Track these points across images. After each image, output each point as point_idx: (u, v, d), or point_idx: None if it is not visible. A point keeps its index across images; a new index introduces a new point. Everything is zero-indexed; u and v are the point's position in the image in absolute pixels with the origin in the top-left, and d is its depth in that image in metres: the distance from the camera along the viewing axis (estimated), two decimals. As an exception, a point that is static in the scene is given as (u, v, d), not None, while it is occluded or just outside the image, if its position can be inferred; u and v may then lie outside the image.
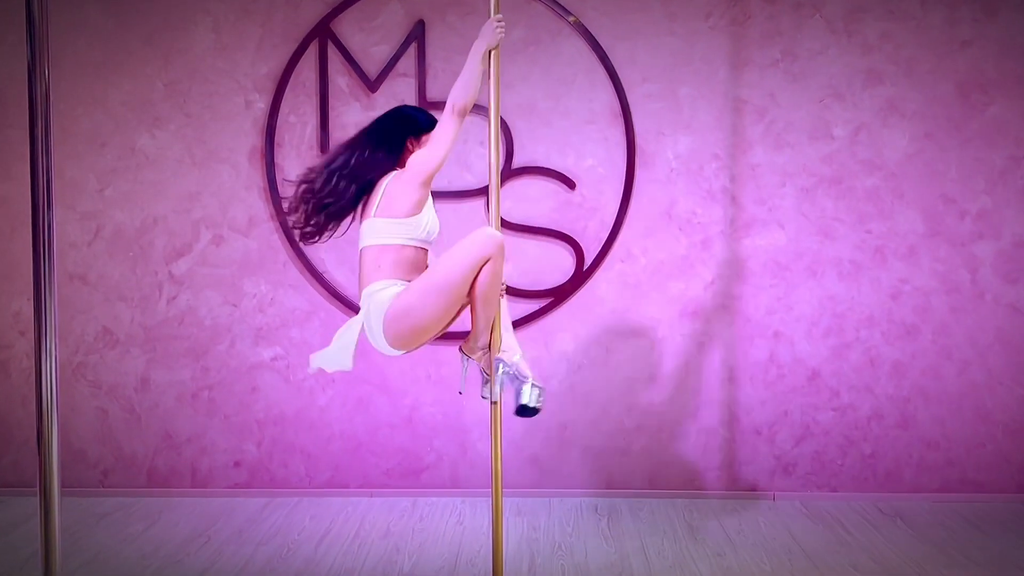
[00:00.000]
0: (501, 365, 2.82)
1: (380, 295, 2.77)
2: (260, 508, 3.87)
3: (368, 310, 2.80)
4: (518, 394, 2.82)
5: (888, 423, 4.00)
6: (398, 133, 2.88)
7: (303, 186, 2.87)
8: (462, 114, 2.77)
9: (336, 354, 2.83)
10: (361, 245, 2.85)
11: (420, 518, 3.77)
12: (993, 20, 3.90)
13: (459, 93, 2.76)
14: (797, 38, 3.93)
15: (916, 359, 3.99)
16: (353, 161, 2.83)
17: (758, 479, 4.01)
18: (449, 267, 2.71)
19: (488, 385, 2.85)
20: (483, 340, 2.84)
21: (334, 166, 2.84)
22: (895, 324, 3.99)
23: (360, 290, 2.85)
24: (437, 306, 2.72)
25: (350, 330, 2.84)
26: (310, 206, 2.84)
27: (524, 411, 2.82)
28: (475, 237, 2.74)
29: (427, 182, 2.81)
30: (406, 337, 2.78)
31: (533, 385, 2.82)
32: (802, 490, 3.99)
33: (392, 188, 2.81)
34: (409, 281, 2.80)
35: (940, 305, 3.98)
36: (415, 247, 2.83)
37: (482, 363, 2.86)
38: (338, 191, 2.81)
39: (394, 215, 2.79)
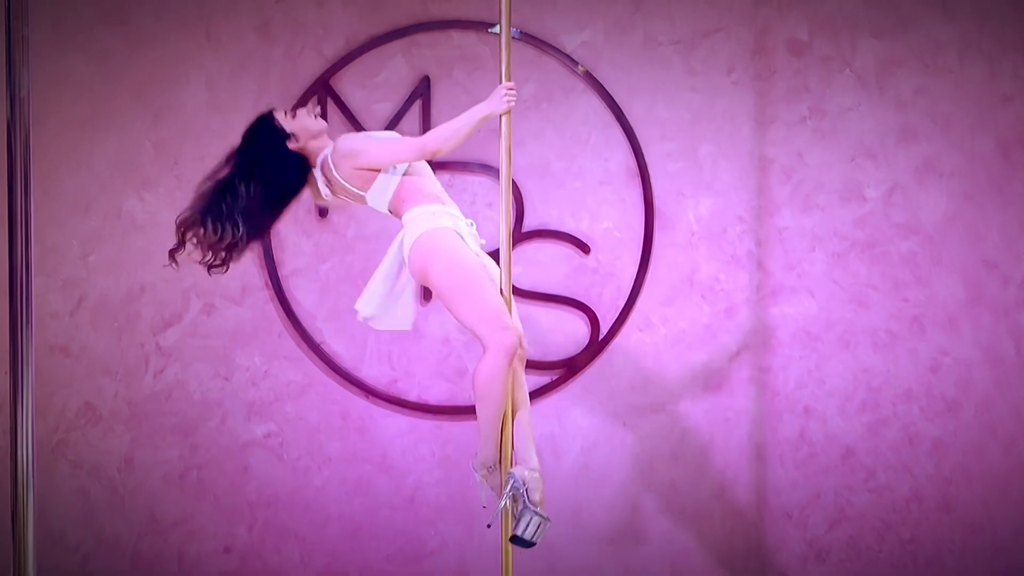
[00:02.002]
0: (512, 480, 2.56)
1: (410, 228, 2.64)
2: (251, 598, 3.66)
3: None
4: (517, 521, 2.56)
5: (929, 506, 3.80)
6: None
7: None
8: (425, 153, 2.58)
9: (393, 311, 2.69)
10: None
11: (423, 611, 3.58)
12: (1036, 72, 3.86)
13: (436, 137, 2.57)
14: (826, 94, 3.81)
15: (958, 437, 3.80)
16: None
17: (789, 566, 3.81)
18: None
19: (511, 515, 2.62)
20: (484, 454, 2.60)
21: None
22: (935, 399, 3.80)
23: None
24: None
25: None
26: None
27: (518, 541, 2.57)
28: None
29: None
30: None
31: (536, 514, 2.55)
32: (837, 578, 3.83)
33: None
34: None
35: (983, 378, 3.80)
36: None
37: (489, 482, 2.60)
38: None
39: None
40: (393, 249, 2.65)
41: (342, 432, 3.78)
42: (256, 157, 2.61)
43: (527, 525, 2.56)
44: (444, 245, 2.56)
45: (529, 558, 3.54)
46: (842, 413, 3.79)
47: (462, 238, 2.60)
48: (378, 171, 2.57)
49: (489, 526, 2.74)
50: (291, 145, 2.62)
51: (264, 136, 2.65)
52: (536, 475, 2.58)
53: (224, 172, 2.64)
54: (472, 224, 2.68)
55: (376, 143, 2.63)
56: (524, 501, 2.57)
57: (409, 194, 2.60)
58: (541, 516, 2.56)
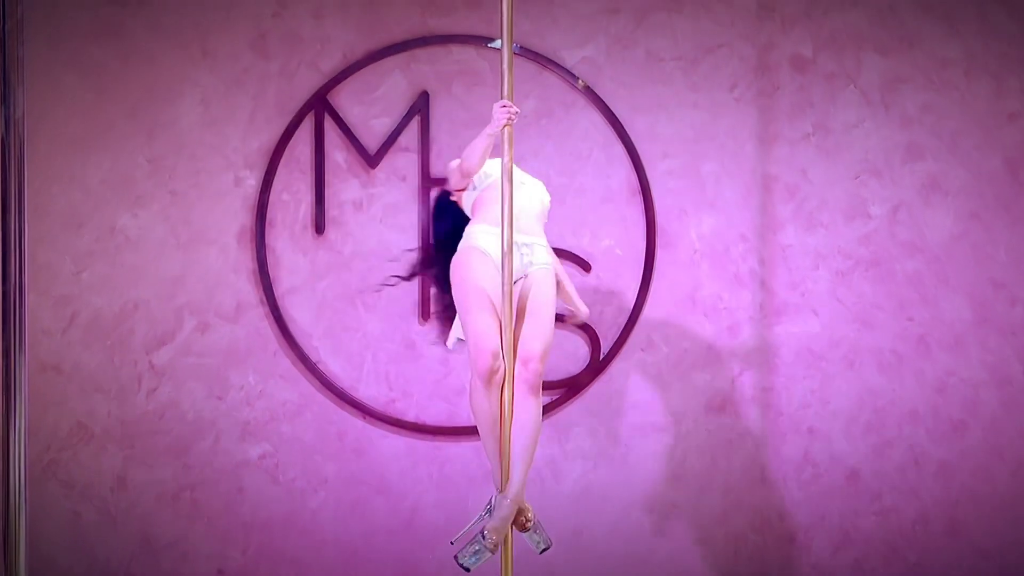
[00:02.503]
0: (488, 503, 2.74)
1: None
2: (245, 623, 3.65)
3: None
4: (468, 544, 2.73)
5: (935, 529, 3.81)
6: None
7: None
8: (461, 172, 2.90)
9: None
10: None
11: (421, 636, 3.56)
12: (1044, 89, 3.92)
13: (464, 156, 2.87)
14: (830, 110, 3.84)
15: (965, 458, 3.82)
16: None
17: None
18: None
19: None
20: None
21: None
22: (941, 420, 3.82)
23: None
24: None
25: None
26: None
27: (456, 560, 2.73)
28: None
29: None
30: None
31: (481, 544, 2.66)
32: (842, 603, 3.86)
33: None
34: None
35: (990, 399, 3.82)
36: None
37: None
38: None
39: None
40: None
41: (338, 453, 3.77)
42: (440, 224, 3.18)
43: (466, 550, 2.65)
44: (460, 264, 2.82)
45: (528, 579, 3.68)
46: (847, 434, 3.79)
47: (491, 259, 2.76)
48: (463, 190, 2.99)
49: (452, 543, 2.80)
50: (453, 197, 3.05)
51: (440, 205, 3.19)
52: (506, 503, 2.64)
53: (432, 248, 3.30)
54: (525, 245, 2.83)
55: (449, 169, 3.06)
56: (482, 529, 2.64)
57: (474, 211, 2.92)
58: (485, 547, 2.62)
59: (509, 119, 2.69)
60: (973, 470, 3.79)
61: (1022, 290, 3.82)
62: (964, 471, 3.79)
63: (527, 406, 2.74)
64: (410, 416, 3.78)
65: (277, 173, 3.78)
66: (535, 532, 2.80)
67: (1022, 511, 3.80)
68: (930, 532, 3.78)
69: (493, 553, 2.67)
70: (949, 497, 3.79)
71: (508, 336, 2.76)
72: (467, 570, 2.67)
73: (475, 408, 2.78)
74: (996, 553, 3.79)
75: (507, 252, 2.71)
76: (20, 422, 1.95)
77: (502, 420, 2.74)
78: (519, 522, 2.77)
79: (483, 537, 2.67)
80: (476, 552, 2.67)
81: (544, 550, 2.83)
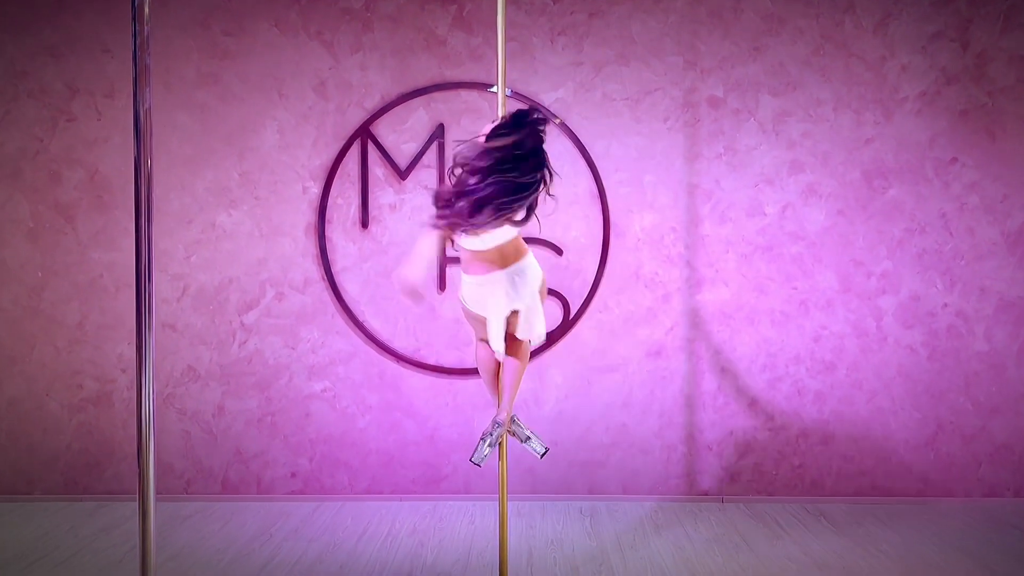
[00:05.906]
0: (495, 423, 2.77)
1: (535, 268, 2.65)
2: (312, 511, 3.79)
3: (521, 280, 2.61)
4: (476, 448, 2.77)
5: (812, 441, 3.92)
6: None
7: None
8: None
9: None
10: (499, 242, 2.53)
11: (440, 519, 3.69)
12: (890, 121, 3.90)
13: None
14: (736, 136, 3.89)
15: (834, 389, 3.91)
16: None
17: (710, 486, 3.92)
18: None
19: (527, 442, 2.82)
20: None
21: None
22: (817, 361, 3.91)
23: (498, 269, 2.54)
24: None
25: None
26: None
27: (470, 460, 2.76)
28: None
29: None
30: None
31: (484, 445, 2.72)
32: (745, 494, 3.92)
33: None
34: None
35: (852, 347, 3.90)
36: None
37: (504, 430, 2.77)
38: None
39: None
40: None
41: (379, 387, 3.91)
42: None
43: (475, 452, 2.73)
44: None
45: (516, 478, 3.83)
46: (748, 372, 3.89)
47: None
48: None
49: (471, 460, 2.80)
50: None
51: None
52: (503, 415, 2.73)
53: None
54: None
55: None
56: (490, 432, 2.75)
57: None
58: (488, 444, 2.71)
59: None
60: (840, 398, 3.87)
61: (875, 267, 3.86)
62: (833, 399, 3.87)
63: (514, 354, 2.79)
64: (431, 360, 3.89)
65: (333, 183, 3.87)
66: (532, 442, 2.80)
67: (875, 428, 3.88)
68: (808, 443, 3.88)
69: (493, 448, 2.68)
70: (822, 418, 3.87)
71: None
72: (478, 465, 2.68)
73: (478, 357, 2.83)
74: (856, 458, 3.89)
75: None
76: (148, 366, 1.97)
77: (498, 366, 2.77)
78: (519, 436, 2.79)
79: (486, 438, 2.71)
80: (481, 450, 2.70)
81: (543, 454, 2.77)
